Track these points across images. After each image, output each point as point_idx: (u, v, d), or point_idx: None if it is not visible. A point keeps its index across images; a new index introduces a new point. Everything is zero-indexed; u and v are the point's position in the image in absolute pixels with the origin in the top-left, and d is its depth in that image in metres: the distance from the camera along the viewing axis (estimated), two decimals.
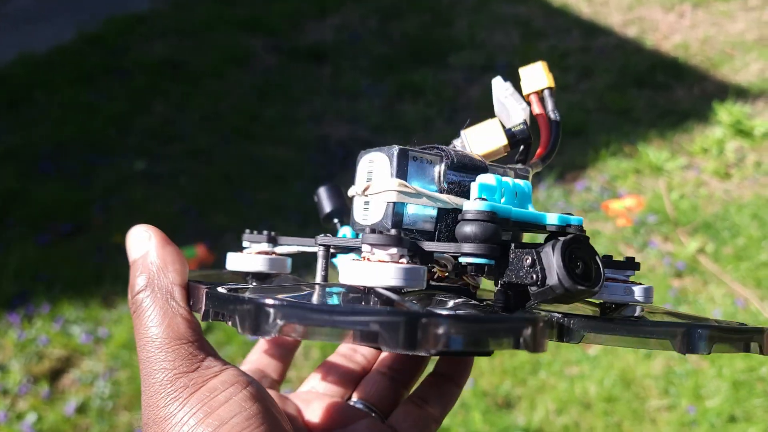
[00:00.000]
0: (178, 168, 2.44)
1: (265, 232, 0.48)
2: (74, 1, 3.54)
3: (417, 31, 3.30)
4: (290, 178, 2.39)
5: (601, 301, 0.41)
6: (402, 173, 0.39)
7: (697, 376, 1.58)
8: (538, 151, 0.47)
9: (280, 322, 0.29)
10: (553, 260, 0.35)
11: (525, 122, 0.46)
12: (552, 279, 0.35)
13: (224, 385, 0.35)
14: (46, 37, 3.13)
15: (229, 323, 0.33)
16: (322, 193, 0.54)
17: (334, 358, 0.53)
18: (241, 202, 2.28)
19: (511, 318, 0.32)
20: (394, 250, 0.34)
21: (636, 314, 0.42)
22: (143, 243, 0.40)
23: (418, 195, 0.39)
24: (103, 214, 2.21)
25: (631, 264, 0.41)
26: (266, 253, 0.48)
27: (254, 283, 0.47)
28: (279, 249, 0.49)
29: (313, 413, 0.47)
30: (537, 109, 0.48)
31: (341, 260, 0.49)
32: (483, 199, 0.38)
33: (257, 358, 0.53)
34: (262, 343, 0.54)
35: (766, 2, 3.21)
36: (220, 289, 0.36)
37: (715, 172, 2.28)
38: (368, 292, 0.34)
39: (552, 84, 0.48)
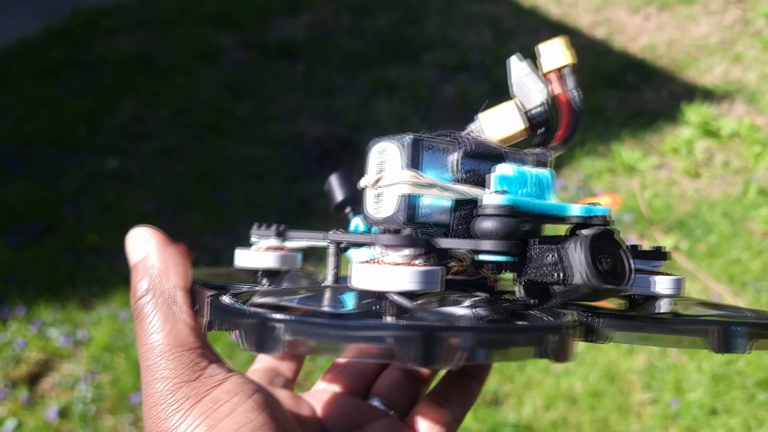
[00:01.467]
0: (151, 166, 2.39)
1: (273, 226, 0.46)
2: None
3: (389, 29, 3.30)
4: (266, 176, 2.37)
5: (629, 293, 0.39)
6: (415, 163, 0.37)
7: (677, 370, 1.62)
8: (559, 132, 0.44)
9: (286, 338, 0.27)
10: (577, 258, 0.32)
11: (544, 103, 0.43)
12: (577, 278, 0.32)
13: (228, 395, 0.34)
14: (7, 30, 3.03)
15: (233, 337, 0.30)
16: (334, 181, 0.51)
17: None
18: (216, 201, 2.25)
19: (533, 327, 0.31)
20: (407, 251, 0.32)
21: (667, 308, 0.40)
22: (143, 245, 0.39)
23: (431, 186, 0.37)
24: (75, 213, 2.14)
25: (659, 254, 0.40)
26: (275, 248, 0.46)
27: (264, 281, 0.45)
28: (288, 244, 0.46)
29: (329, 413, 0.46)
30: (557, 88, 0.44)
31: (355, 253, 0.47)
32: (502, 192, 0.35)
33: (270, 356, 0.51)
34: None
35: (726, 6, 3.32)
36: (224, 298, 0.34)
37: (686, 171, 2.34)
38: (382, 297, 0.32)
39: (573, 61, 0.44)
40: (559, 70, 0.44)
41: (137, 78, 2.87)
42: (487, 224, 0.33)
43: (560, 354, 0.29)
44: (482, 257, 0.34)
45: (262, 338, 0.28)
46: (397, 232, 0.33)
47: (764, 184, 2.28)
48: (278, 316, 0.28)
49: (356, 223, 0.49)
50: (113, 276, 1.89)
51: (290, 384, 0.50)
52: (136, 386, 1.57)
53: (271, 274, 0.46)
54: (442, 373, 0.48)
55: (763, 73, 2.86)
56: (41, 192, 2.20)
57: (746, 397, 1.56)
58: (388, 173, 0.37)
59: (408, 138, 0.37)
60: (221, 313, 0.32)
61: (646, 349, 1.68)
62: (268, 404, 0.34)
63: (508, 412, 1.54)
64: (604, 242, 0.33)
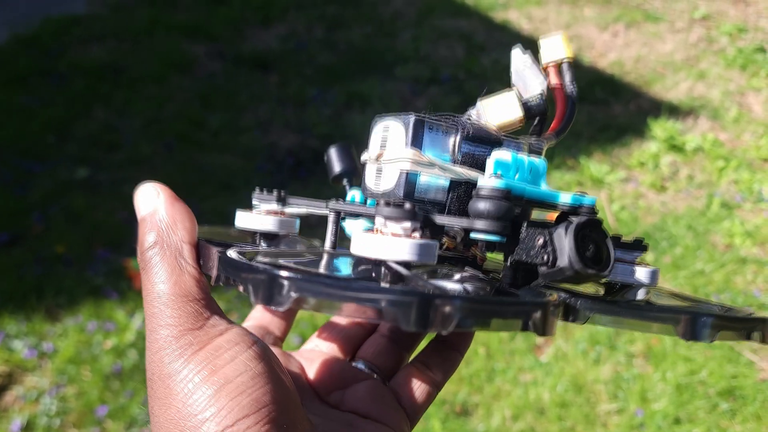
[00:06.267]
0: (121, 175, 2.37)
1: (275, 191, 0.48)
2: (6, 1, 3.39)
3: (362, 42, 3.32)
4: (238, 186, 2.36)
5: (608, 280, 0.41)
6: (417, 142, 0.39)
7: (643, 380, 1.65)
8: (553, 124, 0.46)
9: (293, 295, 0.29)
10: (565, 242, 0.35)
11: (542, 95, 0.45)
12: (563, 261, 0.35)
13: (229, 343, 0.35)
14: None
15: (241, 289, 0.32)
16: (333, 152, 0.53)
17: (338, 317, 0.52)
18: None
19: (521, 302, 0.32)
20: (407, 224, 0.34)
21: (641, 296, 0.43)
22: (152, 200, 0.39)
23: (431, 165, 0.39)
24: (42, 223, 2.12)
25: (639, 245, 0.42)
26: (275, 213, 0.47)
27: (263, 243, 0.47)
28: (288, 209, 0.48)
29: (316, 372, 0.47)
30: (554, 81, 0.46)
31: (350, 224, 0.49)
32: (498, 176, 0.37)
33: (260, 315, 0.53)
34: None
35: (691, 25, 3.40)
36: (231, 254, 0.36)
37: (652, 184, 2.39)
38: (378, 263, 0.34)
39: (572, 55, 0.46)
40: (558, 64, 0.46)
41: (108, 87, 2.85)
42: (482, 205, 0.35)
43: (543, 329, 0.31)
44: (474, 235, 0.36)
45: (271, 293, 0.30)
46: (398, 205, 0.34)
47: (727, 198, 2.34)
48: (287, 273, 0.29)
49: (352, 194, 0.50)
50: (81, 286, 1.86)
51: (279, 342, 0.52)
52: (102, 399, 1.55)
53: (269, 237, 0.47)
54: (425, 342, 0.50)
55: (727, 90, 2.93)
56: (8, 201, 2.17)
57: (709, 407, 1.60)
58: (390, 149, 0.39)
59: (411, 117, 0.39)
60: (231, 268, 0.34)
61: (613, 359, 1.71)
62: (266, 355, 0.36)
63: (477, 422, 1.56)
64: (590, 230, 0.36)
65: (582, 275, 0.35)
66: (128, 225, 2.13)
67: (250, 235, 0.48)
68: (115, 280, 1.90)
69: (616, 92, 2.95)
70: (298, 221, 0.48)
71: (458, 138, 0.40)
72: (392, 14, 3.61)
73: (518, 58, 0.46)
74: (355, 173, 0.53)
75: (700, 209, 2.30)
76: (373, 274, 0.34)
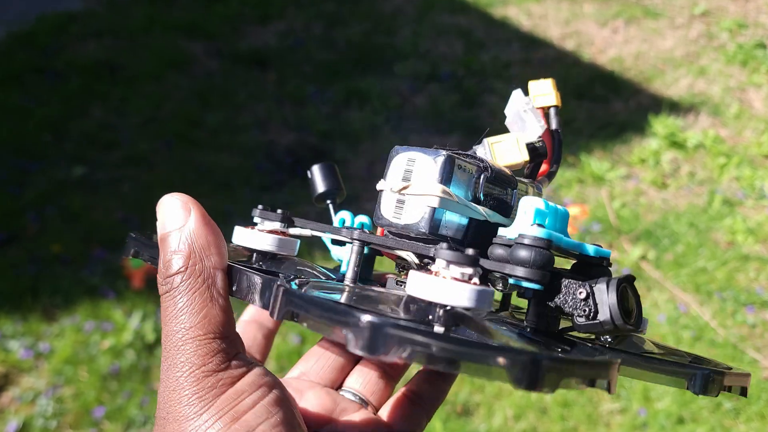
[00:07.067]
0: (119, 174, 2.35)
1: (279, 210, 0.46)
2: None
3: (361, 39, 3.30)
4: (237, 185, 2.35)
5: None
6: (446, 180, 0.39)
7: None
8: (544, 168, 0.48)
9: (400, 350, 0.28)
10: (607, 297, 0.36)
11: (541, 138, 0.47)
12: (604, 315, 0.36)
13: (251, 387, 0.33)
14: None
15: (304, 325, 0.31)
16: (316, 171, 0.52)
17: (325, 343, 0.50)
18: None
19: (603, 361, 0.33)
20: (469, 270, 0.33)
21: (639, 344, 0.44)
22: (181, 216, 0.35)
23: (458, 204, 0.39)
24: (38, 222, 2.10)
25: None
26: (276, 232, 0.45)
27: (261, 263, 0.45)
28: (291, 230, 0.46)
29: (307, 403, 0.46)
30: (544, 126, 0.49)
31: (337, 247, 0.49)
32: (540, 225, 0.38)
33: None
34: (242, 320, 0.51)
35: (691, 21, 3.39)
36: (305, 289, 0.35)
37: (653, 182, 2.38)
38: (433, 305, 0.33)
39: (559, 103, 0.48)
40: (546, 109, 0.49)
41: (105, 85, 2.83)
42: (525, 253, 0.36)
43: (613, 386, 0.31)
44: (514, 281, 0.37)
45: (374, 344, 0.28)
46: (458, 249, 0.34)
47: (728, 195, 2.33)
48: (394, 328, 0.28)
49: (341, 217, 0.50)
50: (78, 286, 1.85)
51: (272, 335, 0.51)
52: (99, 400, 1.54)
53: (267, 257, 0.45)
54: (413, 371, 0.50)
55: (727, 86, 2.92)
56: (4, 200, 2.15)
57: (712, 407, 1.58)
58: (418, 183, 0.40)
59: (443, 155, 0.40)
60: (321, 311, 0.31)
61: None
62: (286, 400, 0.34)
63: (478, 422, 1.54)
64: (627, 286, 0.37)
65: (620, 330, 0.36)
66: (125, 224, 2.11)
67: (245, 253, 0.46)
68: (113, 279, 1.88)
69: (616, 89, 2.93)
70: (298, 242, 0.46)
71: (482, 179, 0.41)
72: (391, 11, 3.59)
73: (519, 99, 0.48)
74: (338, 194, 0.52)
75: (702, 206, 2.28)
76: (429, 317, 0.34)
